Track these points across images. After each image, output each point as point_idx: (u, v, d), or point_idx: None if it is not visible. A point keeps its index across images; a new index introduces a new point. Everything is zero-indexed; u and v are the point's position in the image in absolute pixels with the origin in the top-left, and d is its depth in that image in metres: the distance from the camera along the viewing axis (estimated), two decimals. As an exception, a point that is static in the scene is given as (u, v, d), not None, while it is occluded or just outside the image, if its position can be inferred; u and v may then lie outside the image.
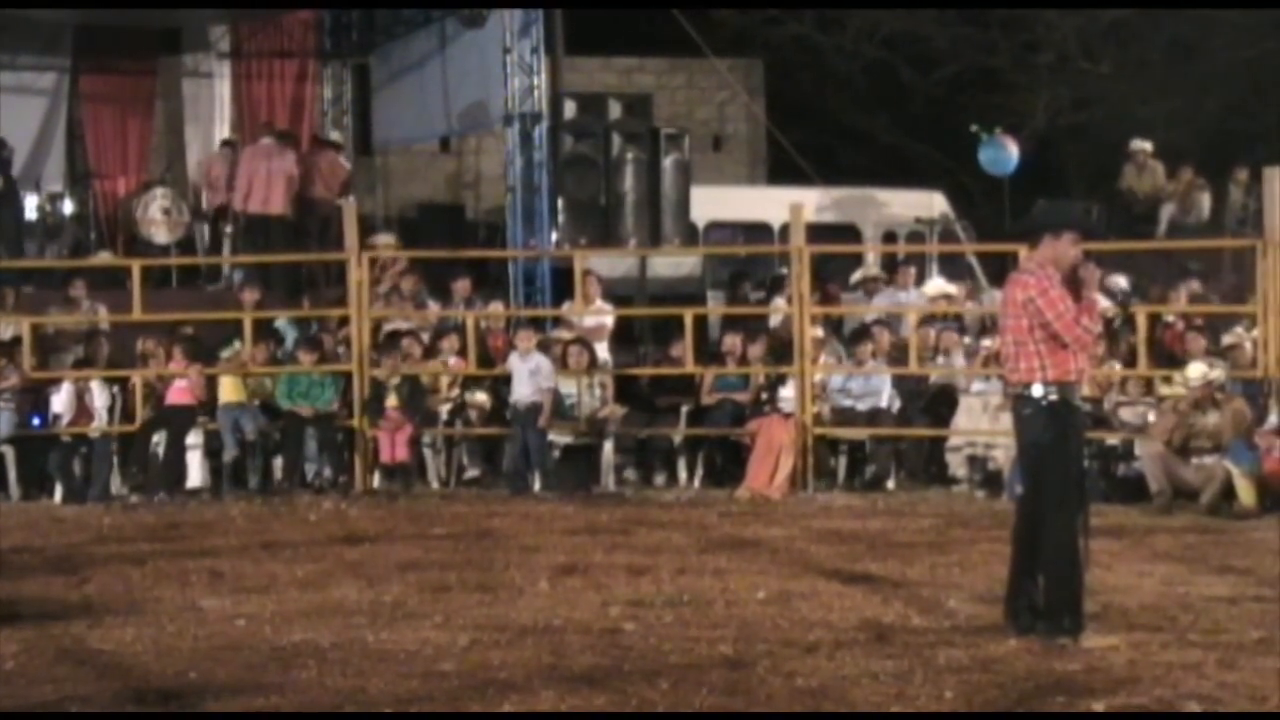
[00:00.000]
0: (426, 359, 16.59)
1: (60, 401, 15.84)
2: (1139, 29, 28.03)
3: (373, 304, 16.53)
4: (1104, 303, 10.89)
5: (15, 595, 10.08)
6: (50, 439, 15.79)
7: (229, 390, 15.99)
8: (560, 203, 18.63)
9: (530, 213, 18.66)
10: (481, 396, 16.20)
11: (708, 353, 16.78)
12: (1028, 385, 8.49)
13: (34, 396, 16.00)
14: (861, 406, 15.99)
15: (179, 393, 15.87)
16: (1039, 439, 8.52)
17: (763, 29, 28.51)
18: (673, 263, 20.06)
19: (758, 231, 20.78)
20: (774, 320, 17.43)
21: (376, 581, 10.49)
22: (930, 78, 29.59)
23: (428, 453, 16.21)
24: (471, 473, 16.19)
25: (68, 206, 19.86)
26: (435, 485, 16.05)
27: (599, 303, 17.09)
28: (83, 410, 15.82)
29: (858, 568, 10.90)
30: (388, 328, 16.80)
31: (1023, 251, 9.24)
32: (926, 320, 16.85)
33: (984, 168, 19.86)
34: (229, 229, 20.11)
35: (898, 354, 16.40)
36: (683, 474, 16.08)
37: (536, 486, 15.48)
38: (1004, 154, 19.74)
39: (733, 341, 16.42)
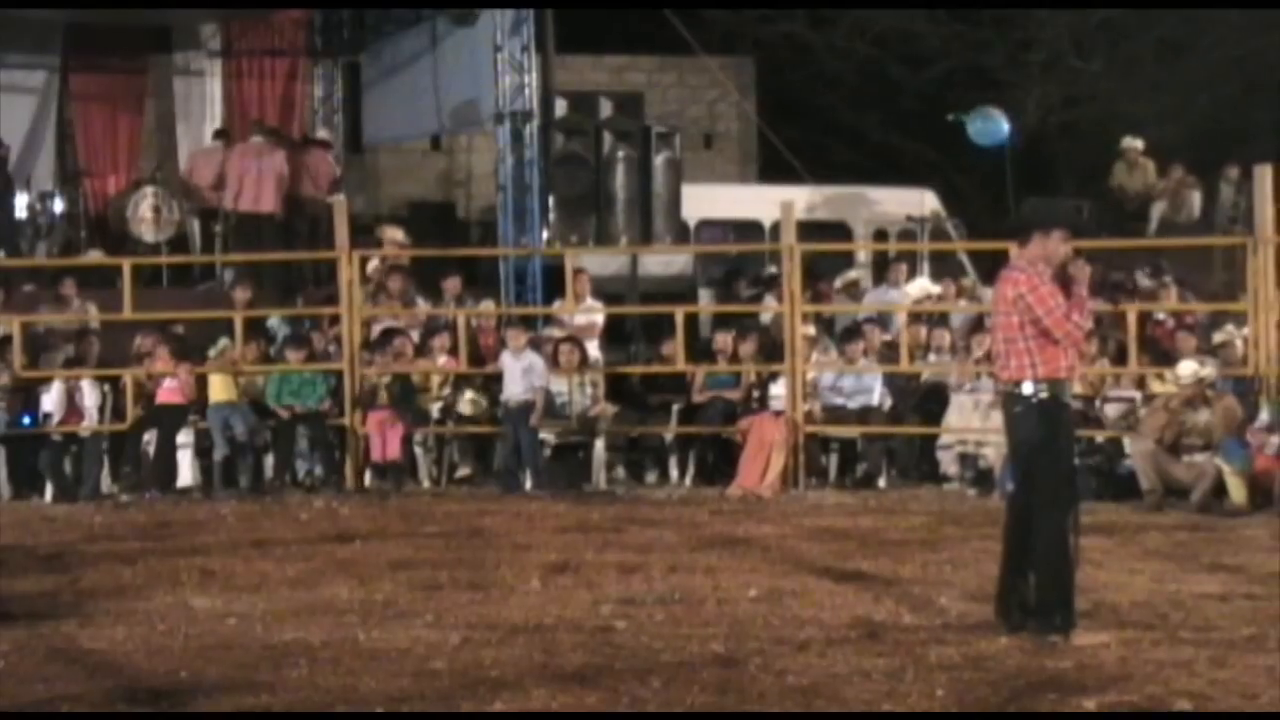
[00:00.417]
0: (418, 358, 16.58)
1: (51, 400, 15.82)
2: (1130, 27, 28.06)
3: (364, 302, 16.53)
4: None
5: (6, 594, 10.06)
6: (41, 438, 15.77)
7: (219, 389, 15.97)
8: (551, 201, 18.61)
9: (521, 211, 18.65)
10: (470, 395, 16.16)
11: (699, 351, 16.77)
12: (1018, 383, 8.51)
13: (24, 395, 15.98)
14: (853, 404, 15.99)
15: (169, 392, 15.87)
16: (1030, 436, 8.53)
17: (754, 27, 28.51)
18: (664, 261, 20.06)
19: (749, 229, 20.77)
20: (764, 318, 17.44)
21: (368, 580, 10.48)
22: (921, 76, 29.59)
23: (419, 451, 16.20)
24: (463, 471, 16.20)
25: (58, 205, 19.81)
26: (426, 484, 16.03)
27: (590, 301, 17.09)
28: (73, 409, 15.80)
29: (849, 566, 10.90)
30: (381, 326, 16.78)
31: (1013, 249, 9.24)
32: (917, 318, 16.85)
33: (975, 141, 19.67)
34: (218, 228, 20.10)
35: (889, 352, 16.41)
36: (674, 472, 16.08)
37: (528, 485, 15.47)
38: (993, 124, 19.56)
39: (724, 339, 16.42)
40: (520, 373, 15.71)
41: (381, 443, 15.62)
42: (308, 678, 7.79)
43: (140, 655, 8.39)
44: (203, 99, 22.00)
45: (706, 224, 21.28)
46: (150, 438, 15.65)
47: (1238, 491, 13.61)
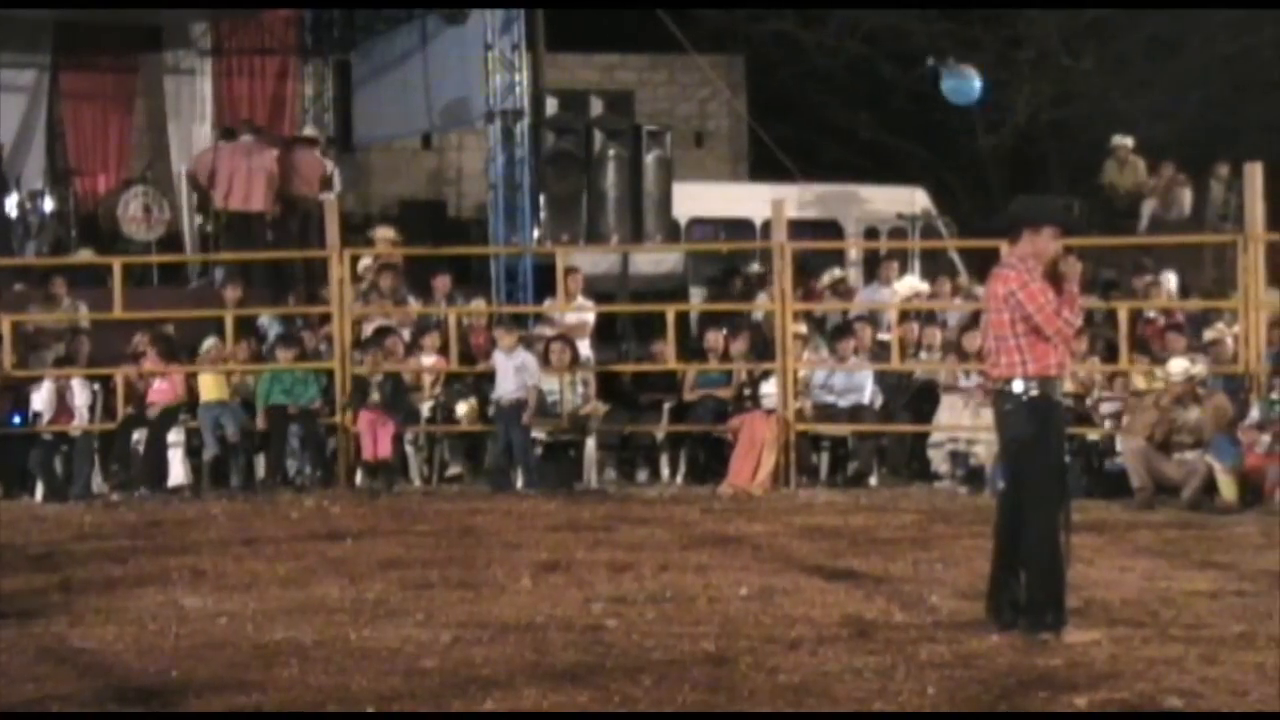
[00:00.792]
0: (409, 356, 16.57)
1: (41, 399, 15.81)
2: (1120, 25, 28.07)
3: (354, 301, 16.52)
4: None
5: (-4, 593, 10.07)
6: (31, 437, 15.76)
7: (210, 389, 15.96)
8: (542, 199, 18.61)
9: (512, 209, 18.65)
10: (465, 408, 16.15)
11: (690, 349, 16.77)
12: (1008, 380, 8.51)
13: (14, 395, 15.97)
14: (844, 403, 16.00)
15: (160, 391, 15.86)
16: (1020, 434, 8.54)
17: (744, 25, 28.51)
18: (655, 259, 20.05)
19: (740, 228, 20.76)
20: (755, 316, 17.44)
21: (359, 579, 10.47)
22: (912, 74, 29.54)
23: (410, 450, 16.19)
24: (454, 470, 16.19)
25: (48, 204, 19.78)
26: (417, 482, 16.03)
27: (581, 299, 17.09)
28: (63, 408, 15.79)
29: (840, 564, 10.91)
30: (374, 325, 16.76)
31: (1004, 247, 9.25)
32: (908, 316, 16.86)
33: (947, 98, 19.64)
34: (209, 226, 20.08)
35: (880, 350, 16.41)
36: (665, 470, 16.08)
37: (519, 483, 15.46)
38: (966, 83, 19.50)
39: (715, 338, 16.42)
40: (513, 371, 15.71)
41: (372, 441, 15.60)
42: (299, 677, 7.79)
43: (131, 654, 8.38)
44: (193, 98, 21.97)
45: (697, 222, 21.27)
46: (140, 437, 15.63)
47: (1228, 489, 13.62)
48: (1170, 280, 17.10)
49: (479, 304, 17.62)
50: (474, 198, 23.01)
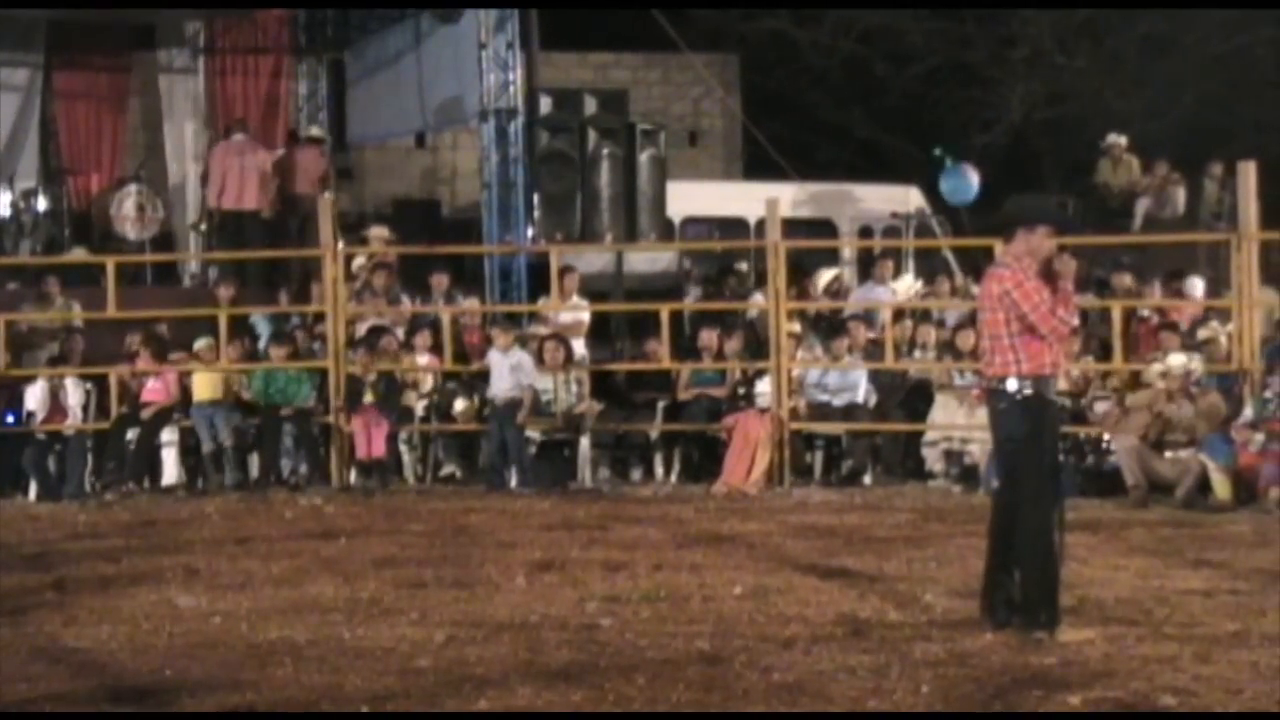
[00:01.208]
0: (404, 355, 16.57)
1: (34, 398, 15.82)
2: (1113, 24, 28.09)
3: (348, 300, 16.51)
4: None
5: (-10, 593, 10.06)
6: (25, 436, 15.75)
7: (204, 388, 15.94)
8: (536, 198, 18.57)
9: (506, 208, 18.63)
10: (462, 406, 16.14)
11: (684, 348, 16.77)
12: (1002, 379, 8.51)
13: (8, 394, 15.96)
14: (838, 401, 15.99)
15: (153, 391, 15.85)
16: (1014, 433, 8.54)
17: (738, 24, 28.53)
18: (649, 258, 20.02)
19: (734, 227, 20.76)
20: (750, 314, 17.44)
21: (353, 578, 10.47)
22: (906, 72, 29.61)
23: (404, 449, 16.19)
24: (448, 469, 16.18)
25: (41, 203, 19.75)
26: (412, 481, 16.02)
27: (575, 299, 17.08)
28: (57, 407, 15.78)
29: (834, 563, 10.91)
30: (367, 324, 16.75)
31: (998, 246, 9.25)
32: (902, 314, 16.86)
33: (944, 197, 20.02)
34: (203, 225, 20.07)
35: (874, 349, 16.41)
36: (659, 469, 16.08)
37: (513, 482, 15.46)
38: (964, 183, 19.87)
39: (709, 337, 16.41)
40: (508, 370, 15.70)
41: (366, 440, 15.60)
42: (292, 676, 7.79)
43: (125, 654, 8.38)
44: (187, 97, 21.94)
45: (691, 221, 21.27)
46: (133, 436, 15.62)
47: (1222, 487, 13.64)
48: (1198, 286, 17.02)
49: (473, 303, 17.62)
50: (468, 196, 22.98)
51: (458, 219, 22.74)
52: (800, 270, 17.59)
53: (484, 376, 16.07)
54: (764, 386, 15.88)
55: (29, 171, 20.68)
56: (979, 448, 14.54)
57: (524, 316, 17.48)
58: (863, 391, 16.07)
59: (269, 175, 19.65)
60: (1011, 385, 8.49)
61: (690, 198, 20.98)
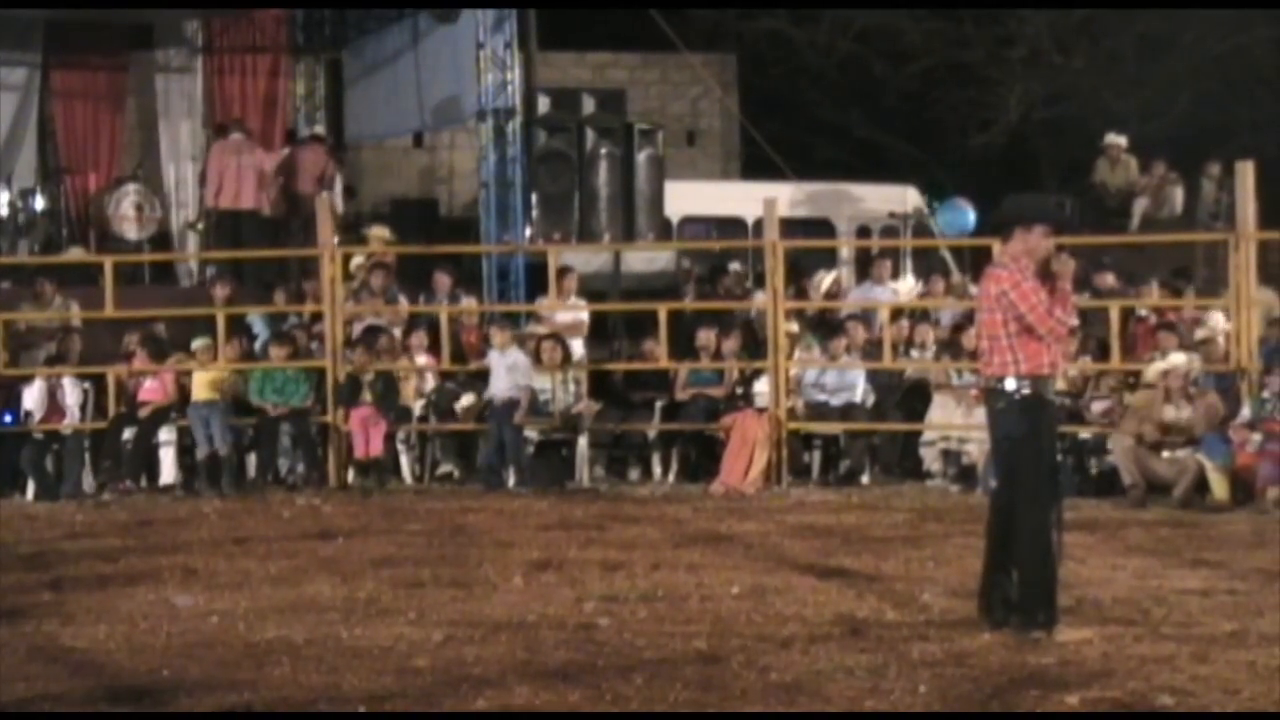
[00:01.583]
0: (401, 355, 16.56)
1: (32, 398, 15.81)
2: (1111, 24, 28.10)
3: (346, 299, 16.51)
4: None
5: (-13, 593, 10.06)
6: (22, 436, 15.74)
7: (201, 388, 15.94)
8: (534, 198, 18.59)
9: (504, 208, 18.63)
10: (466, 403, 16.14)
11: (682, 348, 16.76)
12: (1000, 379, 8.51)
13: (5, 393, 15.95)
14: (836, 401, 15.99)
15: (150, 391, 15.84)
16: (1012, 433, 8.54)
17: (736, 24, 28.54)
18: (646, 258, 20.01)
19: (732, 226, 20.77)
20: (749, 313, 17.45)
21: (350, 578, 10.47)
22: (904, 72, 29.61)
23: (401, 448, 16.18)
24: (446, 468, 16.18)
25: (39, 202, 19.75)
26: (409, 481, 16.02)
27: (573, 298, 17.08)
28: (54, 407, 15.78)
29: (832, 562, 10.91)
30: (364, 324, 16.74)
31: (995, 245, 9.25)
32: (900, 314, 16.86)
33: (943, 230, 20.21)
34: (200, 225, 20.06)
35: (872, 348, 16.41)
36: (657, 469, 16.07)
37: (511, 482, 15.46)
38: (961, 215, 20.10)
39: (707, 336, 16.41)
40: (505, 370, 15.70)
41: (364, 440, 15.59)
42: (290, 676, 7.78)
43: (122, 653, 8.37)
44: (184, 96, 21.93)
45: (689, 221, 21.28)
46: (130, 435, 15.61)
47: (1219, 487, 13.65)
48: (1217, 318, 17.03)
49: (470, 303, 17.61)
50: (466, 196, 22.97)
51: (455, 219, 22.75)
52: (798, 270, 17.60)
53: (482, 376, 16.06)
54: (762, 386, 15.88)
55: (27, 171, 20.67)
56: (977, 447, 14.54)
57: (522, 316, 17.48)
58: (860, 391, 16.07)
59: (267, 175, 19.65)
60: (1010, 385, 8.48)
61: (688, 197, 21.00)
